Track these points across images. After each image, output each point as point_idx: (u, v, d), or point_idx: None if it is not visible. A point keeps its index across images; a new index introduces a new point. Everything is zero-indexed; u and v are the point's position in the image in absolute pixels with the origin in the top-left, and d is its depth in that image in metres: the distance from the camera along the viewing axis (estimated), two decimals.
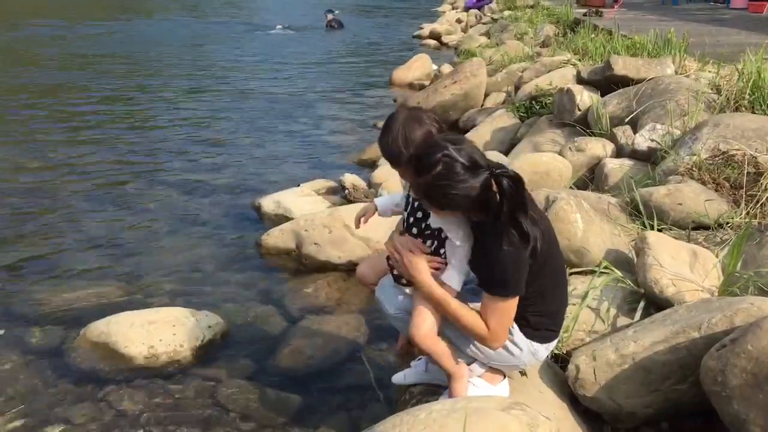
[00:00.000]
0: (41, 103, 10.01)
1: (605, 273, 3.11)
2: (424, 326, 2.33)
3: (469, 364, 2.44)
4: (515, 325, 2.31)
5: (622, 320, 3.03)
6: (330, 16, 22.85)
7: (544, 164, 4.30)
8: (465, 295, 2.35)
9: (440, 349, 2.38)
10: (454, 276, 2.30)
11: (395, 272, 2.45)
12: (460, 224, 2.25)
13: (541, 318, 2.35)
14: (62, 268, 4.55)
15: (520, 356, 2.37)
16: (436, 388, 2.70)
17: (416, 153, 2.14)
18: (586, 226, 3.32)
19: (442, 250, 2.34)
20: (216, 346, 3.52)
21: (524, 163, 4.29)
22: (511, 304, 2.21)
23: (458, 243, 2.26)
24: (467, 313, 2.26)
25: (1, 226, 5.33)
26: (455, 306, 2.25)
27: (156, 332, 3.38)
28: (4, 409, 3.10)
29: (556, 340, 2.50)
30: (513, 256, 2.11)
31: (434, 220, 2.30)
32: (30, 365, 3.42)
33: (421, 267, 2.29)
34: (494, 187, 2.04)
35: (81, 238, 5.09)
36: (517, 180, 2.04)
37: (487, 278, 2.22)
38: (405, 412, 1.92)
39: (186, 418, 3.03)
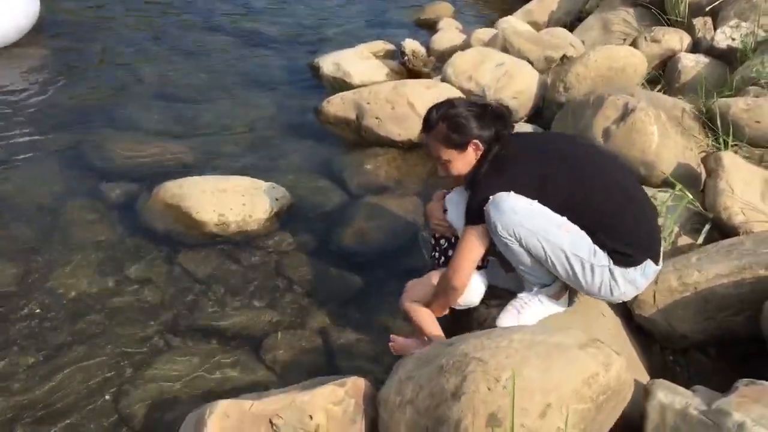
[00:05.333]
0: None
1: (679, 195, 3.11)
2: (413, 295, 2.71)
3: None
4: (611, 262, 2.35)
5: (684, 239, 3.08)
6: None
7: (621, 59, 4.16)
8: None
9: (420, 316, 2.67)
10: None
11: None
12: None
13: (621, 242, 2.35)
14: (123, 121, 4.63)
15: (618, 290, 2.41)
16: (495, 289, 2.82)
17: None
18: (661, 139, 3.29)
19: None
20: (282, 218, 3.63)
21: (600, 56, 4.16)
22: (473, 231, 2.42)
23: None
24: None
25: (60, 62, 5.36)
26: None
27: (227, 201, 3.49)
28: (81, 260, 3.30)
29: (650, 263, 2.44)
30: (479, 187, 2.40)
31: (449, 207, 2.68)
32: (106, 219, 3.60)
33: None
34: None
35: (139, 88, 5.17)
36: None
37: None
38: (486, 336, 2.04)
39: (252, 287, 3.21)
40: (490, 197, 2.33)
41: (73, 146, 4.25)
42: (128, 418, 2.53)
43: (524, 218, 2.29)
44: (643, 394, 2.15)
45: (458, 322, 2.88)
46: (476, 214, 2.38)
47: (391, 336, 2.74)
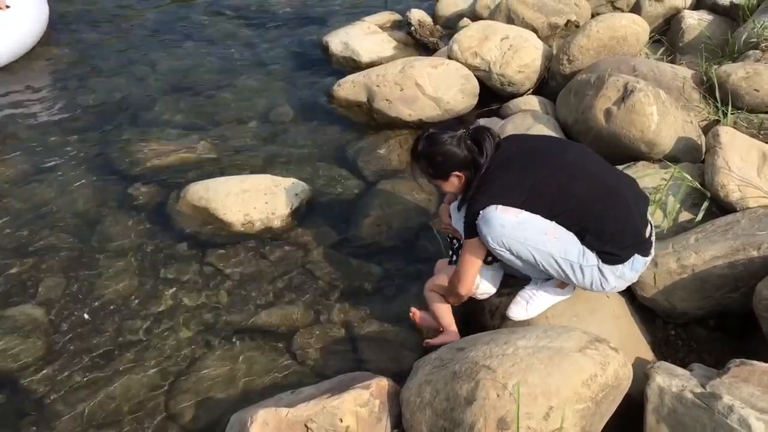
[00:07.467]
0: None
1: (679, 178, 3.24)
2: (432, 285, 2.95)
3: None
4: (600, 261, 2.52)
5: (684, 215, 3.23)
6: None
7: (622, 28, 4.22)
8: None
9: (436, 306, 2.91)
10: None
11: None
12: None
13: (608, 243, 2.51)
14: (145, 119, 4.80)
15: (608, 285, 2.59)
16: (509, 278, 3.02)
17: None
18: (660, 118, 3.40)
19: None
20: (302, 213, 3.83)
21: (602, 26, 4.22)
22: (471, 244, 2.58)
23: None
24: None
25: (74, 63, 5.50)
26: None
27: (250, 200, 3.70)
28: (121, 266, 3.53)
29: (638, 257, 2.59)
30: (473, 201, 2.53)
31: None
32: (140, 223, 3.81)
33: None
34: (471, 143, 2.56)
35: (156, 82, 5.31)
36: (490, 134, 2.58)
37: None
38: (494, 342, 2.25)
39: (280, 284, 3.43)
40: (480, 212, 2.49)
41: (100, 150, 4.45)
42: (177, 418, 2.80)
43: (512, 231, 2.45)
44: (643, 377, 2.37)
45: (471, 307, 3.11)
46: (471, 228, 2.55)
47: (412, 308, 2.99)
